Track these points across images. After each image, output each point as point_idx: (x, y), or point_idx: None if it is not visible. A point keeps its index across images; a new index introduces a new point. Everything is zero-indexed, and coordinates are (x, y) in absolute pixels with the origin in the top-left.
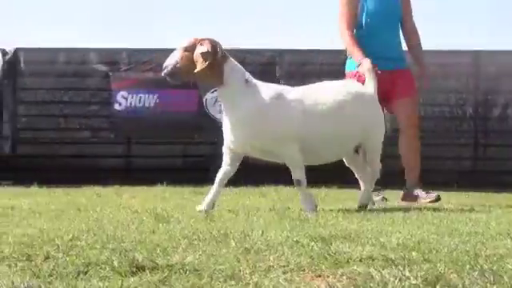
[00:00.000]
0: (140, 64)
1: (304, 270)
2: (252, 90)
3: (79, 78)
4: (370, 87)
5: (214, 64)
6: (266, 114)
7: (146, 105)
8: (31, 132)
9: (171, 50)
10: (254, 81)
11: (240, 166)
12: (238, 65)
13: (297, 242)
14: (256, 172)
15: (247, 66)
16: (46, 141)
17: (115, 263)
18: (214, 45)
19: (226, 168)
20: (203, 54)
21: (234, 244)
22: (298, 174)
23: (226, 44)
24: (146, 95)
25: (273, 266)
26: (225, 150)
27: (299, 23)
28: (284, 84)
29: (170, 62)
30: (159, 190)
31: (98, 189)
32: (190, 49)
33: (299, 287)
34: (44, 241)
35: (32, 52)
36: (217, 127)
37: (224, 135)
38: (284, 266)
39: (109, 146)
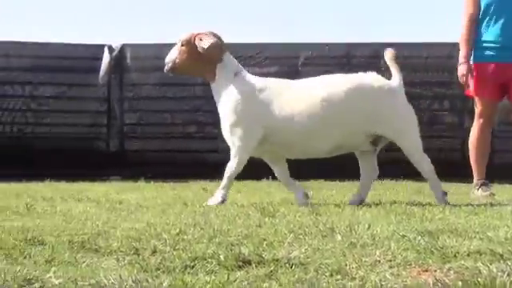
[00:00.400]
0: (245, 59)
1: (411, 265)
2: (236, 84)
3: None
4: (394, 80)
5: (212, 59)
6: (237, 109)
7: None
8: (138, 127)
9: (274, 45)
10: (245, 75)
11: (345, 161)
12: (233, 60)
13: (403, 236)
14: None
15: (351, 59)
16: (152, 136)
17: (221, 257)
18: (208, 39)
19: (276, 169)
20: (205, 49)
21: (339, 238)
22: (236, 165)
23: (328, 38)
24: None
25: (379, 261)
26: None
27: (406, 17)
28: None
29: (170, 58)
30: (264, 184)
31: (205, 183)
32: (186, 43)
33: (406, 282)
34: (151, 235)
35: (138, 48)
36: None
37: None
38: (390, 261)
39: (214, 141)
